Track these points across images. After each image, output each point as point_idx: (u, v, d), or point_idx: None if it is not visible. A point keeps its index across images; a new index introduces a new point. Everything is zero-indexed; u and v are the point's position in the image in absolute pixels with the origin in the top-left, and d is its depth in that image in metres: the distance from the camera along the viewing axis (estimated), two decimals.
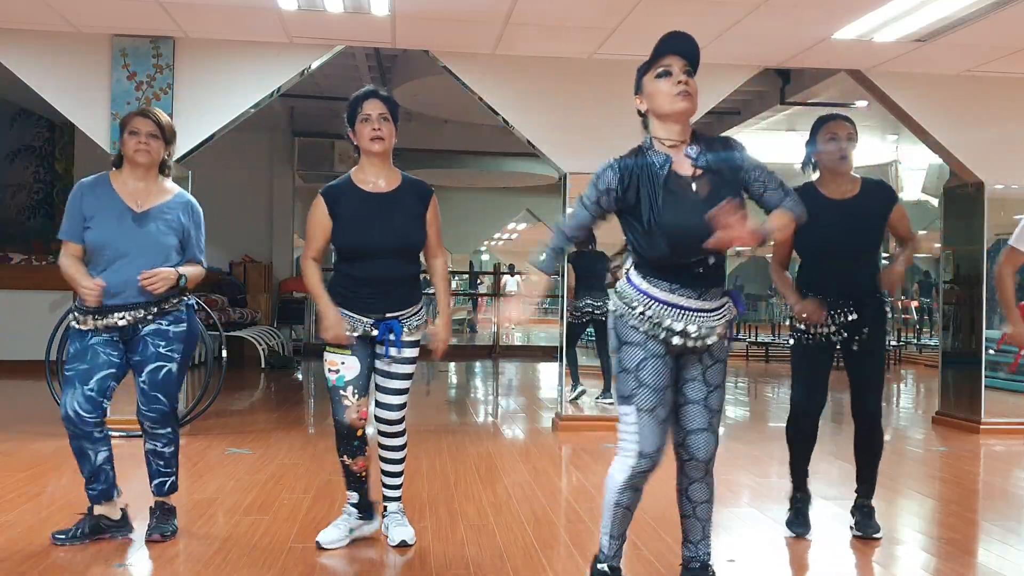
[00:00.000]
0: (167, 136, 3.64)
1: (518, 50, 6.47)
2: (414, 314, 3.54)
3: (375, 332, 3.47)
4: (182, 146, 6.27)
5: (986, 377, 6.83)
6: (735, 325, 3.01)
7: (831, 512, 4.27)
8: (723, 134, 2.73)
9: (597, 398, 7.53)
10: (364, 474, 3.63)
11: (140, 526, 3.87)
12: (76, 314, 3.56)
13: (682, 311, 2.73)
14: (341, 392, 3.48)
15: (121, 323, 3.51)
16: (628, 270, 2.87)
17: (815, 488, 4.08)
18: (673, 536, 3.82)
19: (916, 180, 12.99)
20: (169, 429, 3.69)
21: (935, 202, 12.63)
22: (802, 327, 3.80)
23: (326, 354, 3.49)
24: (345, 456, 3.58)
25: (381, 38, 6.41)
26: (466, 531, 3.85)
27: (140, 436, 6.07)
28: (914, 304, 17.76)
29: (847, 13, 5.54)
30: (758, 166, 2.82)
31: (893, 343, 13.88)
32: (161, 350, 3.56)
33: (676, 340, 2.74)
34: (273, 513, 4.08)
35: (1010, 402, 7.04)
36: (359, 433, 3.53)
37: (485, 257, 29.64)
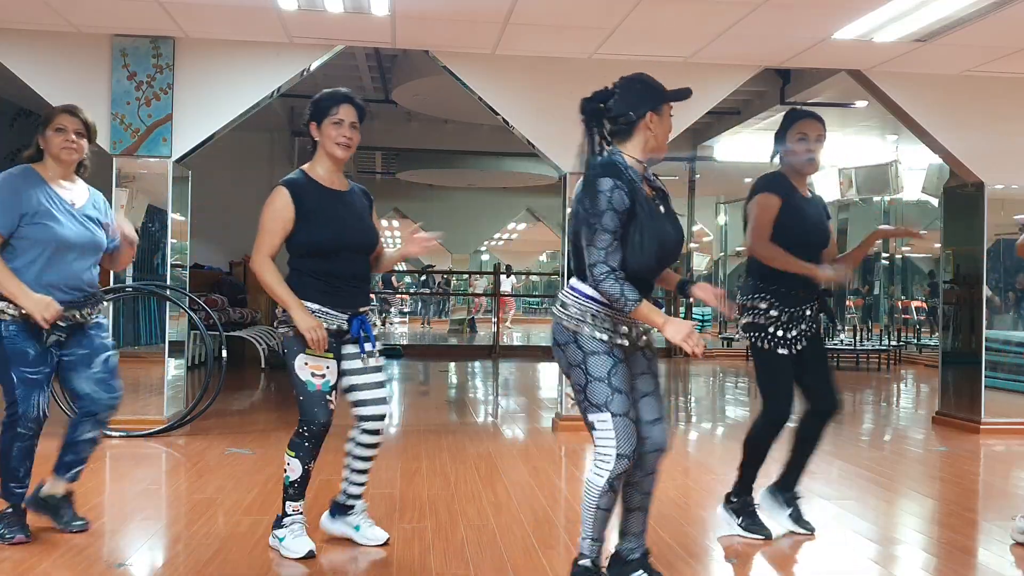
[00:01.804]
0: (91, 135, 3.68)
1: (518, 50, 6.47)
2: (371, 309, 3.66)
3: (347, 328, 3.46)
4: (182, 146, 6.28)
5: (986, 377, 6.83)
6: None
7: (831, 512, 4.27)
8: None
9: None
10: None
11: (141, 524, 3.88)
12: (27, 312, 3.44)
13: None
14: (328, 397, 3.44)
15: (84, 317, 3.59)
16: (569, 285, 2.96)
17: (815, 488, 4.09)
18: (669, 533, 3.83)
19: (916, 180, 12.99)
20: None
21: (935, 202, 12.63)
22: (771, 331, 3.69)
23: (307, 358, 3.40)
24: (312, 461, 3.54)
25: (381, 38, 6.41)
26: (466, 531, 3.85)
27: (140, 436, 6.09)
28: (916, 304, 17.78)
29: (847, 13, 5.54)
30: None
31: (893, 343, 13.90)
32: (105, 340, 3.72)
33: (625, 342, 2.91)
34: (273, 513, 4.06)
35: (1010, 402, 7.03)
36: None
37: (485, 257, 29.64)
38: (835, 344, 12.72)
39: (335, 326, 3.44)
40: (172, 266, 6.38)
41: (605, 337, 2.86)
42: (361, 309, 3.53)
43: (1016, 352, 7.37)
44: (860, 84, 6.94)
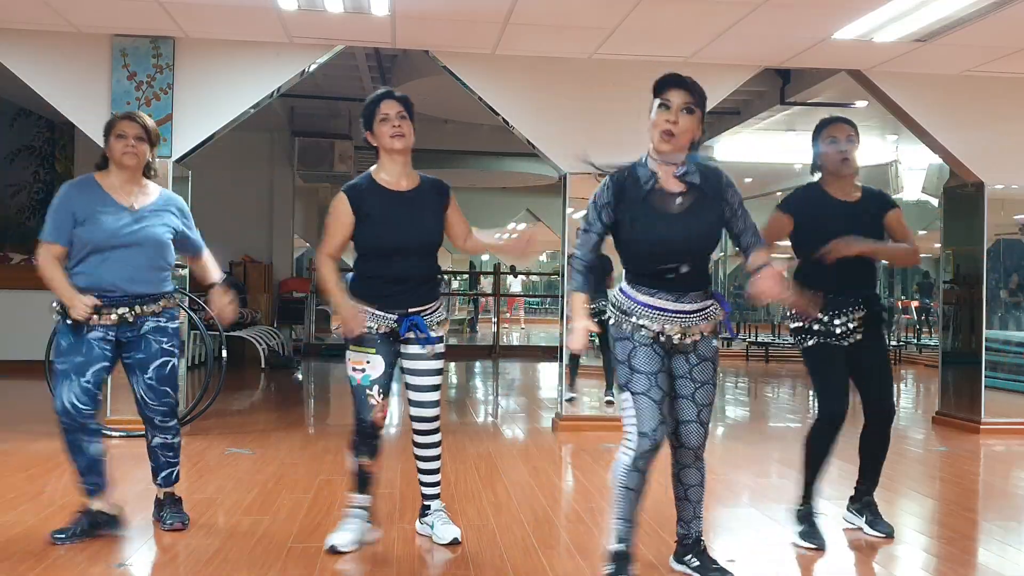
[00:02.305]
0: (152, 139, 3.71)
1: (518, 50, 6.47)
2: (435, 310, 3.58)
3: (398, 328, 3.48)
4: (182, 146, 6.28)
5: (986, 377, 6.83)
6: (736, 325, 3.14)
7: (831, 512, 4.26)
8: (715, 150, 3.04)
9: (604, 397, 7.54)
10: (377, 476, 3.65)
11: (141, 524, 3.88)
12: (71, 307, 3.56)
13: (660, 312, 3.01)
14: (368, 391, 3.47)
15: (128, 317, 3.59)
16: (621, 280, 3.16)
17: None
18: (669, 532, 3.82)
19: (916, 180, 12.97)
20: (176, 421, 3.84)
21: (935, 202, 12.62)
22: (816, 327, 3.74)
23: (350, 353, 3.49)
24: (364, 457, 3.54)
25: (381, 38, 6.41)
26: (466, 531, 3.84)
27: (141, 436, 6.08)
28: (914, 304, 17.78)
29: (847, 13, 5.54)
30: (741, 204, 3.11)
31: (893, 343, 13.90)
32: (164, 346, 3.70)
33: (661, 338, 3.02)
34: (273, 513, 4.08)
35: (1010, 402, 7.04)
36: (380, 432, 3.54)
37: (485, 257, 29.62)
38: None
39: (385, 327, 3.47)
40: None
41: (628, 329, 3.03)
42: (413, 309, 3.49)
43: (1016, 352, 7.37)
44: (860, 84, 6.94)
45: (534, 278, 33.20)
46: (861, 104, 9.24)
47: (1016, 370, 7.07)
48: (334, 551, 3.46)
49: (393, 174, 3.53)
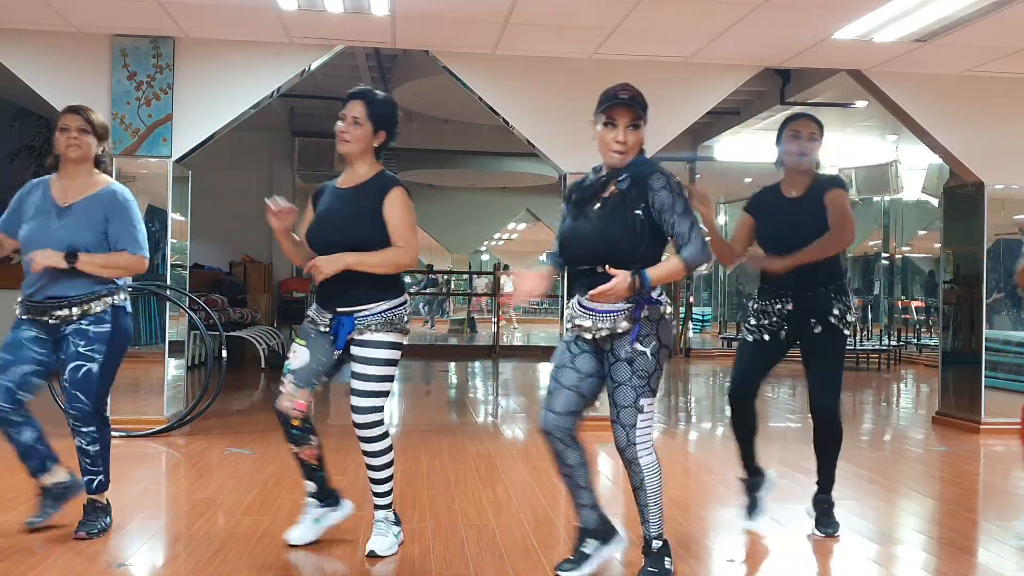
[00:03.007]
0: (98, 131, 3.72)
1: (518, 50, 6.47)
2: (371, 313, 3.39)
3: (329, 325, 3.46)
4: (182, 146, 6.28)
5: (986, 377, 6.83)
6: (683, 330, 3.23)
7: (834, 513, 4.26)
8: (661, 167, 3.10)
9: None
10: (316, 463, 3.58)
11: (141, 524, 3.88)
12: (17, 304, 3.67)
13: (583, 310, 3.14)
14: (283, 378, 3.48)
15: (50, 320, 3.59)
16: None
17: (815, 488, 4.08)
18: (669, 532, 3.82)
19: (916, 180, 12.99)
20: (93, 428, 3.66)
21: (935, 202, 12.63)
22: (752, 322, 3.92)
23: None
24: (290, 444, 3.54)
25: (381, 38, 6.41)
26: (466, 531, 3.84)
27: (140, 436, 6.10)
28: (915, 304, 17.77)
29: (847, 13, 5.54)
30: (671, 208, 3.06)
31: (893, 343, 13.89)
32: (81, 349, 3.59)
33: (583, 333, 3.14)
34: (273, 513, 4.08)
35: (1010, 402, 7.02)
36: (295, 423, 3.46)
37: (485, 257, 29.62)
38: None
39: (322, 325, 3.47)
40: (172, 266, 6.38)
41: (568, 325, 3.25)
42: (341, 309, 3.40)
43: (1016, 352, 7.36)
44: (860, 84, 6.94)
45: None
46: (861, 104, 9.24)
47: (1016, 370, 7.06)
48: (288, 545, 3.53)
49: (348, 172, 3.55)
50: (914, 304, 17.83)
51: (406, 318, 3.47)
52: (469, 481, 4.87)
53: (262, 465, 5.15)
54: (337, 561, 3.46)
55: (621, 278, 2.96)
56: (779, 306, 3.82)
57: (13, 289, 9.74)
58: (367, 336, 3.38)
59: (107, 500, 3.75)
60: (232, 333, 9.82)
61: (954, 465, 5.77)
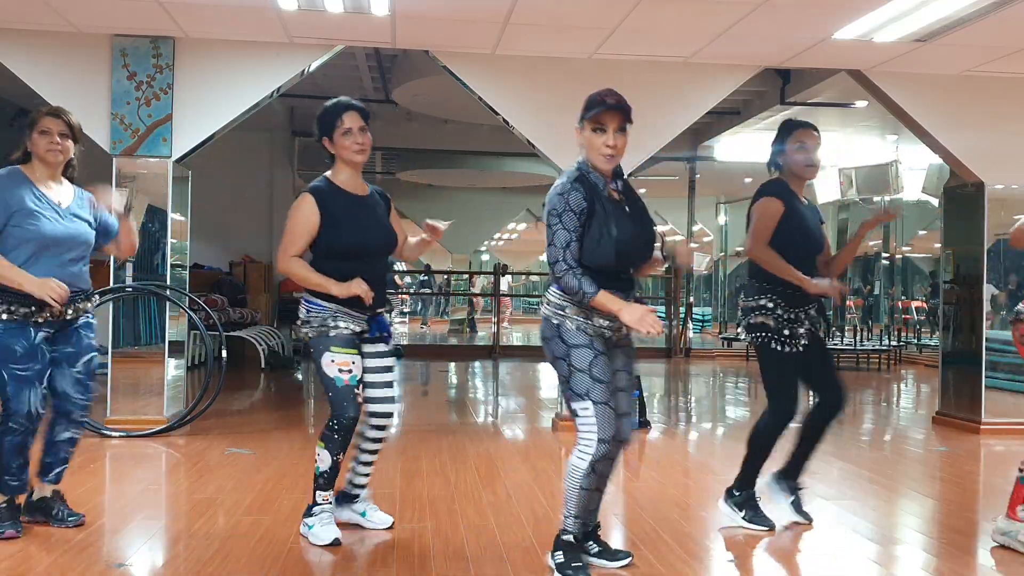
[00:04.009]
0: (75, 136, 3.73)
1: (518, 50, 6.47)
2: (390, 311, 3.80)
3: (367, 329, 3.65)
4: (182, 146, 6.28)
5: (986, 377, 6.83)
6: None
7: (831, 512, 4.27)
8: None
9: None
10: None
11: (141, 524, 3.88)
12: (14, 307, 3.49)
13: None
14: (356, 391, 3.58)
15: (70, 314, 3.60)
16: (554, 283, 3.16)
17: (815, 488, 4.10)
18: (669, 533, 3.83)
19: (916, 180, 12.98)
20: (86, 417, 3.84)
21: (935, 202, 12.62)
22: (771, 324, 3.82)
23: (334, 355, 3.53)
24: (341, 453, 3.63)
25: (381, 38, 6.41)
26: (466, 531, 3.84)
27: (140, 436, 6.08)
28: (915, 304, 17.77)
29: (847, 13, 5.54)
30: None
31: (893, 343, 13.88)
32: (91, 341, 3.75)
33: (607, 334, 3.14)
34: (273, 513, 4.08)
35: (1010, 402, 7.02)
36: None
37: (485, 257, 29.62)
38: (835, 344, 12.71)
39: (357, 326, 3.59)
40: (172, 266, 6.38)
41: (588, 330, 3.11)
42: (379, 310, 3.68)
43: (1016, 352, 7.34)
44: (860, 84, 6.94)
45: (534, 278, 33.22)
46: (861, 104, 9.24)
47: (1016, 370, 7.05)
48: (337, 543, 3.55)
49: (351, 180, 3.68)
50: (914, 304, 17.83)
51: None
52: (469, 481, 4.87)
53: (262, 465, 5.15)
54: (336, 561, 3.46)
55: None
56: (810, 311, 3.89)
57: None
58: (388, 332, 3.74)
59: None
60: (232, 333, 9.82)
61: (954, 465, 5.77)
